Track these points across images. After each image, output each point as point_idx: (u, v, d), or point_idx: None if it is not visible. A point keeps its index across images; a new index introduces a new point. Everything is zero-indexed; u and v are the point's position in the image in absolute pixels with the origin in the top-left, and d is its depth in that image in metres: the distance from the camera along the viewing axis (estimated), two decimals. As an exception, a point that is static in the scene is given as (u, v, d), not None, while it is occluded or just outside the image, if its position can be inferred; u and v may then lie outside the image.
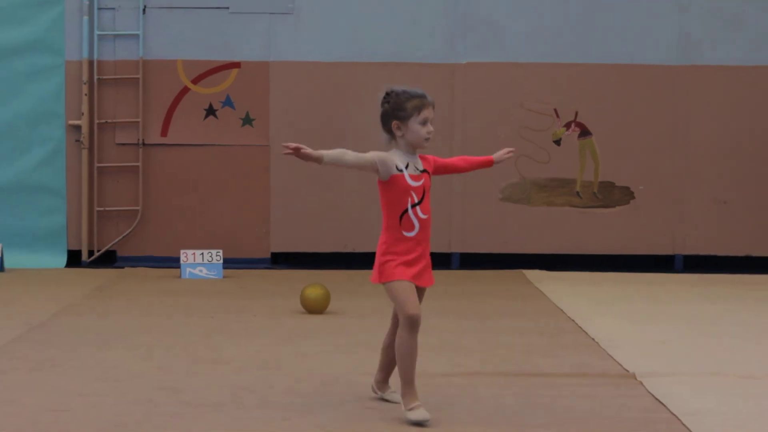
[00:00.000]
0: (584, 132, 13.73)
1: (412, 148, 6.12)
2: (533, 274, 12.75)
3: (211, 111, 13.61)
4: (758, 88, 13.68)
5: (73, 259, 13.53)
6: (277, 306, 10.33)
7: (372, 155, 5.99)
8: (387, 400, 6.39)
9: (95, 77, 13.43)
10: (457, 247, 13.55)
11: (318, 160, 5.85)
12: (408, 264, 6.07)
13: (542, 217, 13.69)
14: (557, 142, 13.72)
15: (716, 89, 13.69)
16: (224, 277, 12.54)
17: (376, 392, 6.50)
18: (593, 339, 8.73)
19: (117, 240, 13.61)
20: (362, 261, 13.42)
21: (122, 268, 13.32)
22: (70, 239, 13.57)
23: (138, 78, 13.47)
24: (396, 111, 6.08)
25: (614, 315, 10.01)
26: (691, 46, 13.65)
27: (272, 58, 13.59)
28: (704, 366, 7.79)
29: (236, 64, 13.59)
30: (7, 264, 12.88)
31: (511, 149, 6.76)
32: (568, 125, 13.74)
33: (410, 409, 5.90)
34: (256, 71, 13.59)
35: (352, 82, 13.56)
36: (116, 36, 13.50)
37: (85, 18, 13.36)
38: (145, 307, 10.31)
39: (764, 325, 9.71)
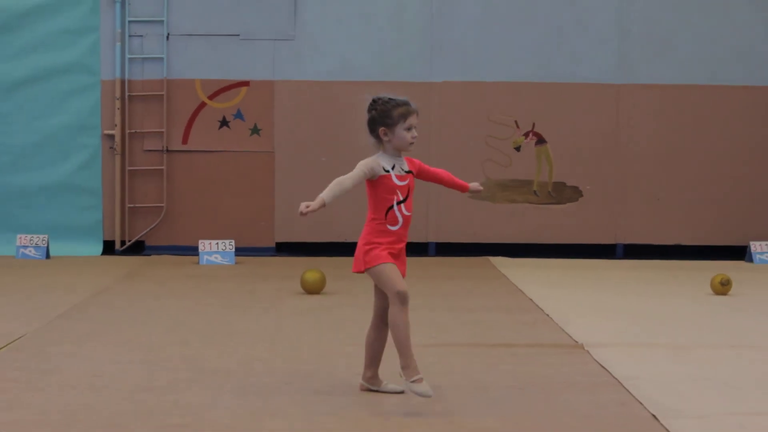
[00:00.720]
0: (540, 140, 13.75)
1: (398, 152, 5.82)
2: (497, 261, 12.70)
3: (224, 122, 13.62)
4: (687, 103, 13.69)
5: (108, 248, 13.49)
6: (281, 288, 10.33)
7: (360, 168, 5.70)
8: (386, 392, 5.89)
9: (126, 94, 13.43)
10: (433, 238, 13.60)
11: (321, 205, 5.61)
12: (394, 255, 5.73)
13: (505, 212, 13.72)
14: (517, 149, 13.74)
15: (650, 104, 13.72)
16: (236, 263, 12.54)
17: (369, 388, 5.93)
18: (548, 315, 8.75)
19: (145, 232, 13.63)
20: (354, 249, 13.51)
21: (149, 255, 13.32)
22: (105, 231, 13.55)
23: (162, 94, 13.47)
24: (383, 118, 5.76)
25: (566, 295, 9.99)
26: (629, 67, 13.68)
27: (276, 77, 13.59)
28: (641, 338, 7.85)
29: (246, 83, 13.60)
30: (52, 252, 12.88)
31: (481, 187, 6.38)
32: (526, 134, 13.76)
33: (413, 381, 5.51)
34: (263, 89, 13.60)
35: (343, 98, 13.51)
36: (144, 59, 13.51)
37: (118, 44, 13.37)
38: (169, 288, 10.33)
39: (692, 303, 9.71)
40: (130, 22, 13.46)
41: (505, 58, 13.64)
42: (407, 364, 5.55)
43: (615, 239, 13.89)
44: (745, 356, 7.14)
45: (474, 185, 6.24)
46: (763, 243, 13.35)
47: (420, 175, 6.07)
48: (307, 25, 13.58)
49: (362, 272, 5.82)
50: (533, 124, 13.75)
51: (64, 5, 13.34)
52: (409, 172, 5.86)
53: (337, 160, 13.57)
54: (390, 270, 5.67)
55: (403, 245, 5.80)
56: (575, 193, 13.77)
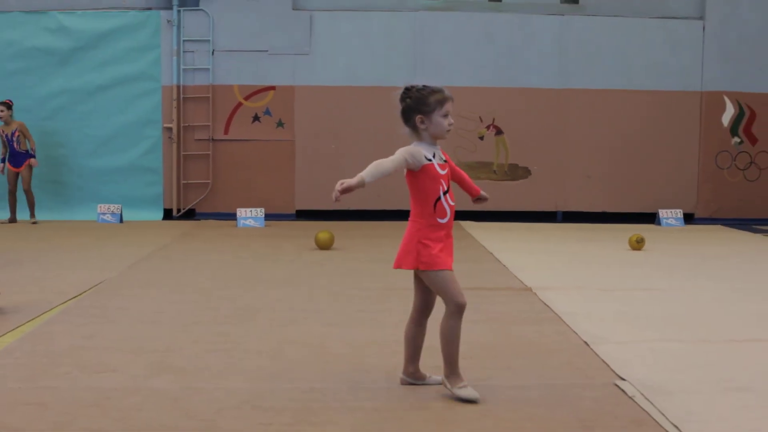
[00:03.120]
0: (499, 132, 13.75)
1: (434, 140, 4.46)
2: (466, 224, 12.70)
3: (256, 118, 13.61)
4: (610, 103, 13.72)
5: (167, 215, 13.54)
6: (300, 245, 10.33)
7: (402, 154, 4.36)
8: (430, 384, 4.53)
9: (181, 96, 13.42)
10: (416, 206, 13.58)
11: (361, 184, 4.32)
12: (446, 252, 4.41)
13: (471, 186, 13.73)
14: (481, 138, 13.75)
15: (583, 104, 13.73)
16: (265, 225, 12.55)
17: (412, 383, 4.53)
18: (504, 265, 8.76)
19: (195, 202, 13.63)
20: (356, 216, 13.54)
21: (199, 220, 13.36)
22: (165, 201, 13.58)
23: (209, 96, 13.45)
24: (419, 105, 4.40)
25: (518, 250, 10.02)
26: (567, 76, 13.69)
27: (296, 83, 13.56)
28: (576, 282, 7.86)
29: (272, 88, 13.57)
30: (124, 218, 12.96)
31: (487, 196, 4.99)
32: (488, 127, 13.76)
33: (460, 387, 4.29)
34: (286, 92, 13.57)
35: (347, 99, 13.57)
36: (195, 69, 13.47)
37: (174, 57, 13.35)
38: (214, 245, 10.33)
39: (614, 255, 9.73)
40: (184, 41, 13.43)
41: (472, 68, 13.63)
42: (453, 373, 4.34)
43: (556, 207, 13.92)
44: (654, 297, 7.16)
45: (483, 193, 4.92)
46: (669, 210, 13.39)
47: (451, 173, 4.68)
48: (320, 43, 13.55)
49: (414, 269, 4.41)
50: (493, 119, 13.74)
51: (134, 28, 13.36)
52: (446, 161, 4.50)
53: (343, 147, 13.60)
54: (452, 279, 4.34)
55: (451, 239, 4.49)
56: (526, 172, 13.78)
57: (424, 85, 4.45)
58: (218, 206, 13.62)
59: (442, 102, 4.40)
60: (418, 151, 4.37)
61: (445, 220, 4.41)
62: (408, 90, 4.45)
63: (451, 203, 4.45)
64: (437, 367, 4.52)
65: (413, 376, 4.54)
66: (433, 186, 4.39)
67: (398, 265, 4.41)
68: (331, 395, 4.34)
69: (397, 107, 4.47)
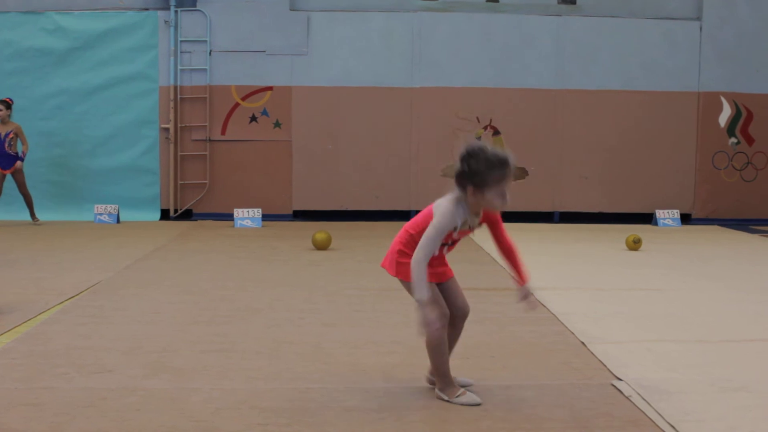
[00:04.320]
0: (496, 132, 13.74)
1: (479, 209, 4.06)
2: (463, 224, 12.67)
3: (253, 118, 13.60)
4: (607, 104, 13.74)
5: (164, 215, 13.54)
6: (296, 245, 10.32)
7: (438, 232, 3.96)
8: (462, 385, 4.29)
9: (178, 96, 13.41)
10: (414, 206, 13.55)
11: (431, 301, 3.94)
12: (429, 265, 4.03)
13: (468, 187, 13.72)
14: (478, 139, 13.75)
15: (580, 104, 13.75)
16: (262, 226, 12.56)
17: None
18: (501, 265, 8.63)
19: (193, 202, 13.62)
20: (353, 216, 13.54)
21: (196, 220, 13.35)
22: (162, 202, 13.57)
23: (206, 97, 13.44)
24: (474, 178, 3.91)
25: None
26: (564, 77, 13.71)
27: (293, 84, 13.55)
28: (573, 282, 7.86)
29: (270, 88, 13.57)
30: (121, 218, 12.96)
31: (532, 302, 4.40)
32: (485, 127, 13.76)
33: (458, 396, 4.13)
34: (283, 92, 13.56)
35: (344, 100, 13.57)
36: (192, 70, 13.47)
37: (172, 58, 13.34)
38: (211, 246, 10.31)
39: (611, 255, 9.73)
40: (181, 41, 13.42)
41: (469, 69, 13.64)
42: (447, 384, 4.16)
43: (553, 208, 13.92)
44: (651, 297, 7.16)
45: (525, 292, 4.34)
46: (666, 210, 13.41)
47: (490, 228, 4.28)
48: (317, 43, 13.54)
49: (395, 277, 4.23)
50: (490, 120, 13.74)
51: (131, 28, 13.35)
52: (473, 227, 4.12)
53: (341, 148, 13.59)
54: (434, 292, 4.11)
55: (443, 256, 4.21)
56: (523, 173, 13.76)
57: (486, 156, 3.93)
58: (215, 207, 13.61)
59: (500, 181, 3.93)
60: (453, 220, 3.98)
61: (435, 254, 4.10)
62: (469, 156, 3.96)
63: (446, 253, 4.21)
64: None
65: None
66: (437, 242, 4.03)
67: (383, 266, 4.33)
68: (328, 395, 4.34)
69: (455, 166, 3.99)
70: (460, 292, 4.34)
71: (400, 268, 4.18)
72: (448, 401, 4.19)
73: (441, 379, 4.19)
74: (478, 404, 4.15)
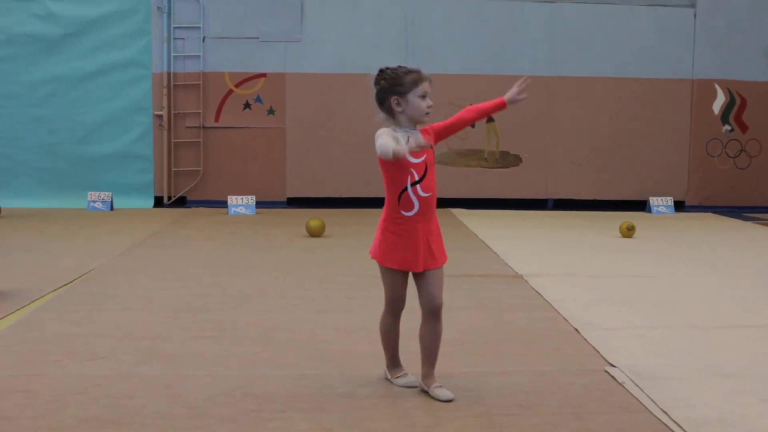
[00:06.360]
0: (490, 119, 13.70)
1: (413, 124, 4.10)
2: (457, 212, 12.72)
3: (247, 105, 13.56)
4: (600, 90, 13.72)
5: (158, 202, 13.44)
6: (291, 232, 10.32)
7: (387, 134, 4.00)
8: (430, 396, 4.14)
9: (172, 83, 13.35)
10: (407, 194, 13.53)
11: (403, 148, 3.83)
12: (404, 248, 4.07)
13: (463, 174, 13.72)
14: (472, 126, 13.73)
15: (573, 91, 13.72)
16: (256, 213, 12.52)
17: (423, 389, 4.20)
18: (495, 252, 8.78)
19: (186, 189, 13.56)
20: (347, 203, 13.53)
21: (190, 207, 13.27)
22: (155, 189, 13.48)
23: (199, 84, 13.38)
24: (394, 86, 4.04)
25: (509, 237, 10.04)
26: (557, 63, 13.69)
27: (287, 70, 13.51)
28: (566, 269, 7.88)
29: (263, 75, 13.52)
30: (115, 206, 12.90)
31: (522, 91, 4.45)
32: (479, 114, 13.75)
33: (397, 377, 4.30)
34: (277, 79, 13.51)
35: (337, 86, 13.50)
36: (185, 56, 13.41)
37: (165, 44, 13.26)
38: (205, 233, 10.30)
39: (605, 242, 9.75)
40: (174, 27, 13.34)
41: (462, 56, 13.61)
42: (394, 365, 4.35)
43: (546, 195, 13.93)
44: (644, 283, 7.19)
45: (511, 95, 4.41)
46: (659, 197, 13.43)
47: (441, 137, 4.22)
48: (311, 30, 13.49)
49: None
50: (484, 107, 13.70)
51: (124, 15, 13.27)
52: (427, 146, 4.05)
53: (334, 134, 13.58)
54: (390, 277, 4.16)
55: (423, 228, 4.08)
56: (516, 160, 13.77)
57: (398, 65, 4.14)
58: (209, 194, 13.58)
59: (417, 82, 4.06)
60: (394, 134, 4.00)
61: (410, 213, 4.05)
62: (382, 71, 4.12)
63: (423, 195, 4.04)
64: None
65: (423, 381, 4.22)
66: (399, 176, 4.03)
67: (371, 255, 4.24)
68: (321, 382, 4.35)
69: (373, 92, 4.13)
70: (438, 286, 4.21)
71: (381, 249, 4.12)
72: (389, 380, 4.35)
73: (387, 359, 4.37)
74: (414, 387, 4.25)
